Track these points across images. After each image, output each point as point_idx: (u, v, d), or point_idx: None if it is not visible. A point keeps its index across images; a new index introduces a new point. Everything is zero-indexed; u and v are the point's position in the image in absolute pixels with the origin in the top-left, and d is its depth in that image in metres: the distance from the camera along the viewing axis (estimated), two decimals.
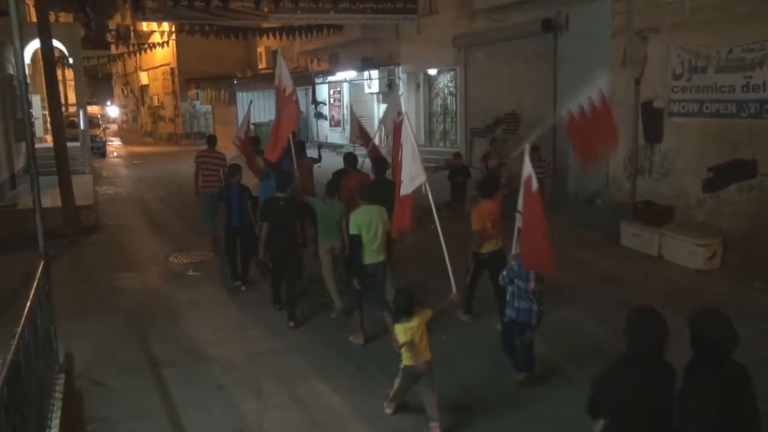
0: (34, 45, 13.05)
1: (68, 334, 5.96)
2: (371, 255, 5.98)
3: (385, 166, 7.62)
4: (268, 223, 6.75)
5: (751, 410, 2.83)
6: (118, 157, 26.62)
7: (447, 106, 18.00)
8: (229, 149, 11.39)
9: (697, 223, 8.72)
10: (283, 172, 7.58)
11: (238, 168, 8.15)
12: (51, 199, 11.18)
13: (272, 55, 27.91)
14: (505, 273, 5.12)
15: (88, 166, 17.12)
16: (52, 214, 10.07)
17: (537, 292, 4.96)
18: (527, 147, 5.15)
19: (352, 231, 5.95)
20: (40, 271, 4.73)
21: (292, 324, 6.67)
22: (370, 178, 7.46)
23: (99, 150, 24.08)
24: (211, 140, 10.39)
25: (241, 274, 7.97)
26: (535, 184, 4.80)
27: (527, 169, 4.88)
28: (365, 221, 5.91)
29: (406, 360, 4.53)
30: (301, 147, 9.00)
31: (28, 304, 4.04)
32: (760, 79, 7.85)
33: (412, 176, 5.35)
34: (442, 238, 5.13)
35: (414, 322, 4.48)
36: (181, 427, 4.77)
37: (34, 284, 4.43)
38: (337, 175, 7.92)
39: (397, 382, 4.69)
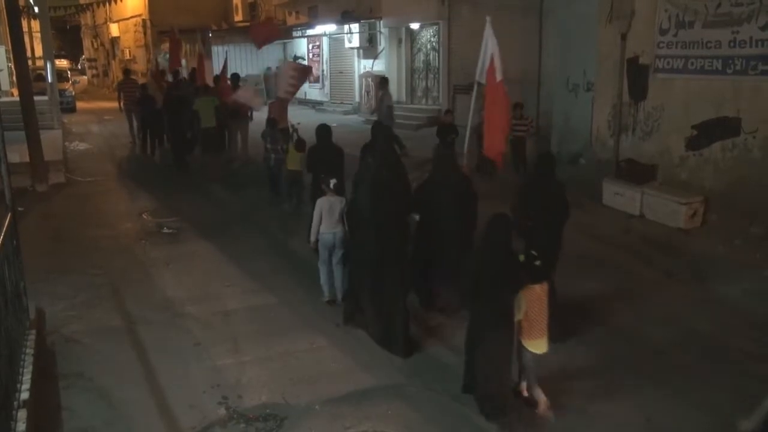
0: None
1: (40, 292, 5.85)
2: (207, 120, 11.80)
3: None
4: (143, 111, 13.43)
5: None
6: (88, 112, 25.73)
7: (429, 62, 17.59)
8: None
9: (679, 181, 8.71)
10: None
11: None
12: (19, 154, 10.79)
13: (249, 7, 26.99)
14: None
15: (57, 121, 16.47)
16: (19, 170, 9.73)
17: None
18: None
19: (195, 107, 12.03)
20: (7, 224, 4.56)
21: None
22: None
23: (68, 105, 23.21)
24: (127, 72, 16.56)
25: (150, 148, 13.49)
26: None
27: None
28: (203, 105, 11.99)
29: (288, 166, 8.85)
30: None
31: None
32: (747, 34, 7.72)
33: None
34: None
35: (287, 152, 8.91)
36: (157, 383, 4.69)
37: (1, 237, 4.25)
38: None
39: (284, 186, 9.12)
